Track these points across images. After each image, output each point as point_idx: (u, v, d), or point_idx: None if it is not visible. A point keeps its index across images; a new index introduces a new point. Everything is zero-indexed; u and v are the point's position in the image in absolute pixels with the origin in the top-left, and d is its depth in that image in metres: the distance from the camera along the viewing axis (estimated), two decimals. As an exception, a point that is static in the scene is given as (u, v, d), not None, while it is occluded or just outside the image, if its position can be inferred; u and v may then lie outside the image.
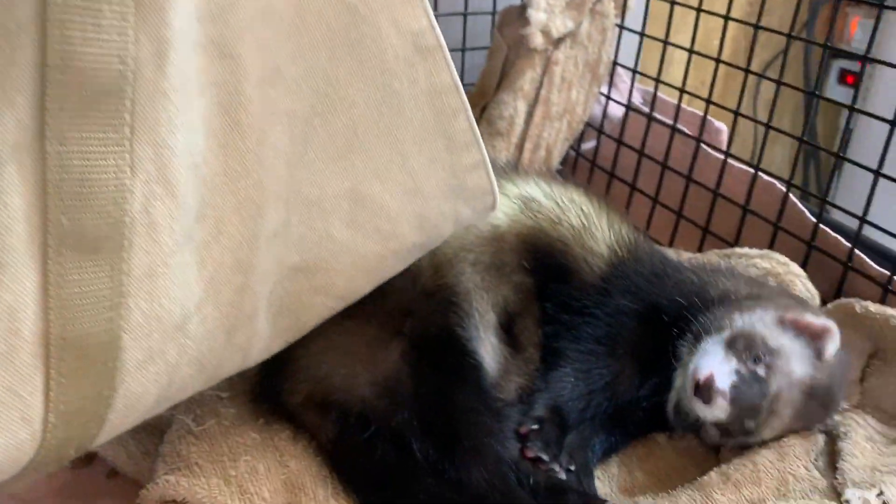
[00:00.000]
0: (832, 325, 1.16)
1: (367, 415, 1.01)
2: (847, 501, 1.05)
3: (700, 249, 1.75)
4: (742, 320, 1.16)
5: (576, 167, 2.14)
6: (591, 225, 1.33)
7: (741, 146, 1.71)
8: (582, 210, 1.35)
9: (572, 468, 1.11)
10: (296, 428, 1.07)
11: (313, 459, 1.05)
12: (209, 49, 0.71)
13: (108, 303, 0.67)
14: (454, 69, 0.87)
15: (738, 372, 1.09)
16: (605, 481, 1.17)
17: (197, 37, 0.70)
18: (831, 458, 1.19)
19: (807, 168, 1.62)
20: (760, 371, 1.10)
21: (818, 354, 1.14)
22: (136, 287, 0.69)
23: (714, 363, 1.09)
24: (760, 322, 1.16)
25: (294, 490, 1.00)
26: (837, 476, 1.13)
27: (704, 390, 1.06)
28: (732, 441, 1.17)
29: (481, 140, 0.93)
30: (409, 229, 0.94)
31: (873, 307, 1.33)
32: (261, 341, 0.90)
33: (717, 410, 1.08)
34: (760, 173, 1.63)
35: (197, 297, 0.77)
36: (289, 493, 1.00)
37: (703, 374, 1.07)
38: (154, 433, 1.14)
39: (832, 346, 1.14)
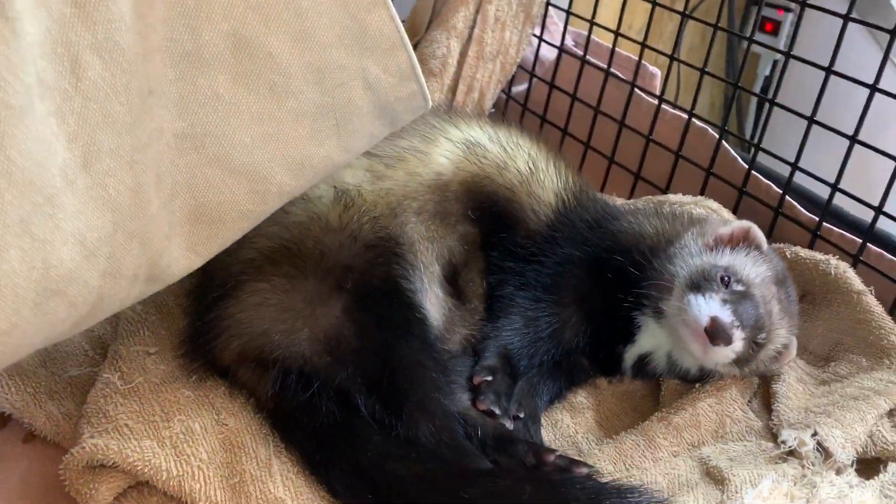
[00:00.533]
0: (749, 223, 1.21)
1: (308, 372, 0.96)
2: (783, 442, 1.08)
3: (632, 196, 1.76)
4: (685, 262, 1.17)
5: (506, 111, 2.09)
6: (538, 171, 1.30)
7: (665, 92, 1.71)
8: (529, 155, 1.31)
9: (521, 416, 1.10)
10: (232, 385, 1.02)
11: (253, 417, 0.99)
12: None
13: None
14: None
15: (725, 300, 1.09)
16: (550, 428, 1.16)
17: None
18: (764, 399, 1.22)
19: (727, 115, 1.62)
20: (738, 287, 1.12)
21: (759, 249, 1.18)
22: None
23: (705, 308, 1.08)
24: (699, 257, 1.18)
25: (233, 449, 0.95)
26: (773, 418, 1.16)
27: (719, 334, 1.06)
28: (748, 367, 1.18)
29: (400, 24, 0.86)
30: (307, 85, 0.83)
31: (803, 252, 1.36)
32: (161, 232, 0.77)
33: (738, 344, 1.08)
34: (694, 119, 1.64)
35: (61, 158, 0.65)
36: (228, 452, 0.95)
37: (705, 322, 1.07)
38: (75, 393, 1.06)
39: (761, 236, 1.19)
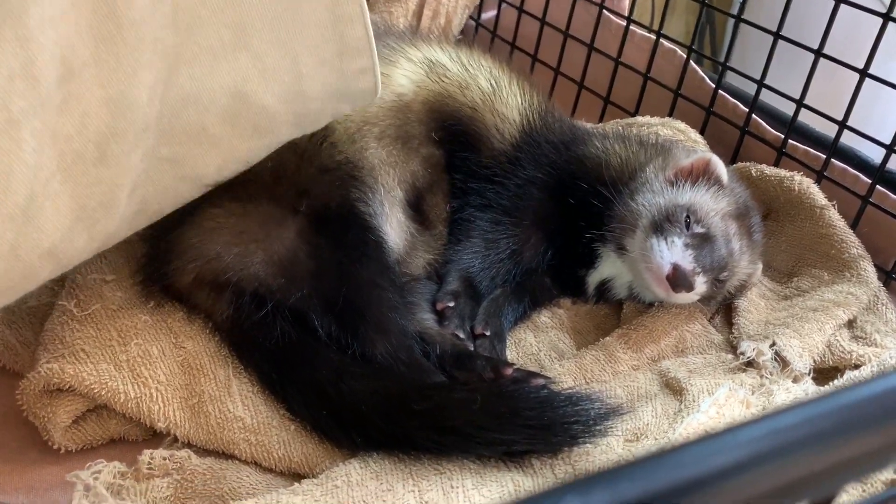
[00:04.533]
0: (709, 155, 1.19)
1: (262, 294, 0.96)
2: (742, 353, 1.09)
3: (601, 120, 1.74)
4: (647, 201, 1.15)
5: (475, 38, 2.05)
6: (501, 89, 1.27)
7: (639, 16, 1.68)
8: (491, 73, 1.29)
9: (487, 333, 1.11)
10: (190, 309, 1.01)
11: (211, 339, 0.99)
12: None
13: None
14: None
15: (687, 245, 1.08)
16: (514, 347, 1.17)
17: None
18: (727, 315, 1.23)
19: (702, 38, 1.59)
20: (699, 229, 1.11)
21: (719, 183, 1.16)
22: None
23: (668, 255, 1.07)
24: (661, 194, 1.16)
25: (192, 371, 0.95)
26: (734, 331, 1.17)
27: (680, 282, 1.05)
28: (713, 301, 1.19)
29: (374, 45, 0.90)
30: (287, 127, 0.91)
31: (768, 170, 1.36)
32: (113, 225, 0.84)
33: (700, 288, 1.08)
34: (662, 40, 1.61)
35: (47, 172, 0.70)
36: (186, 374, 0.95)
37: (667, 270, 1.06)
38: (34, 322, 1.06)
39: (721, 170, 1.17)
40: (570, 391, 0.92)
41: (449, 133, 1.23)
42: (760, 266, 1.21)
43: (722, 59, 1.50)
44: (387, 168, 1.15)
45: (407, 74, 1.22)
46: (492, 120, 1.26)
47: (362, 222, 1.04)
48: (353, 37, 0.86)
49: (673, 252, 1.07)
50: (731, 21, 1.49)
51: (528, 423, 0.85)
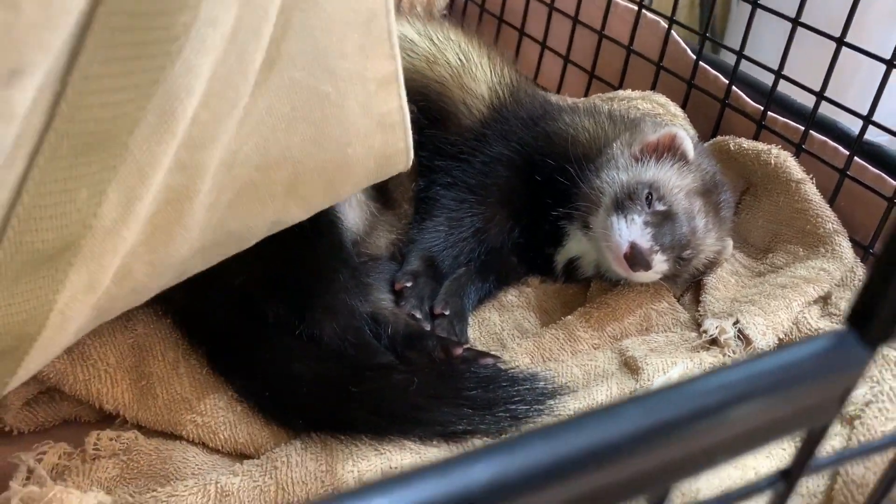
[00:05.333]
0: (674, 130, 1.15)
1: (209, 275, 0.96)
2: (705, 332, 1.07)
3: (587, 94, 1.71)
4: (611, 178, 1.13)
5: (465, 13, 2.03)
6: (470, 64, 1.26)
7: None
8: (460, 48, 1.27)
9: (447, 313, 1.10)
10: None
11: (162, 322, 1.00)
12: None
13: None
14: (410, 133, 0.84)
15: (647, 223, 1.06)
16: (477, 326, 1.16)
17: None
18: (696, 293, 1.21)
19: (675, 5, 1.54)
20: (660, 207, 1.09)
21: (684, 158, 1.13)
22: (28, 361, 0.67)
23: (626, 233, 1.06)
24: (626, 170, 1.14)
25: (142, 353, 0.96)
26: (699, 309, 1.15)
27: (637, 260, 1.04)
28: (680, 278, 1.17)
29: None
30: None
31: (746, 143, 1.32)
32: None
33: (658, 266, 1.06)
34: (644, 11, 1.57)
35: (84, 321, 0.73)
36: (136, 357, 0.96)
37: (624, 249, 1.04)
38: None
39: (687, 145, 1.14)
40: (513, 370, 0.91)
41: (416, 110, 1.22)
42: (730, 243, 1.18)
43: (702, 31, 1.47)
44: None
45: None
46: (459, 95, 1.24)
47: None
48: (396, 161, 0.86)
49: (632, 230, 1.05)
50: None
51: (468, 403, 0.85)
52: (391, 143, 0.83)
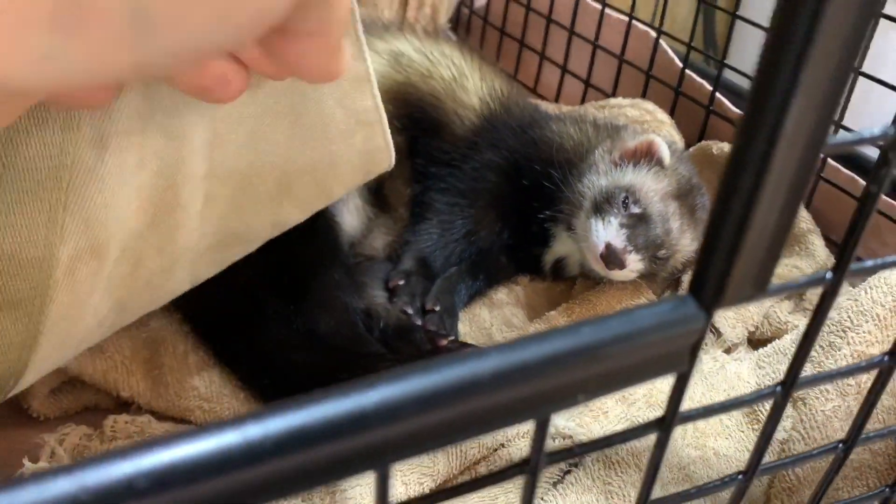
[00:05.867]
0: (651, 137, 1.23)
1: (220, 273, 1.05)
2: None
3: (583, 102, 1.78)
4: (592, 182, 1.21)
5: (469, 26, 2.12)
6: (462, 77, 1.34)
7: (643, 4, 1.69)
8: (453, 63, 1.35)
9: (437, 309, 1.18)
10: (156, 289, 1.11)
11: (173, 317, 1.09)
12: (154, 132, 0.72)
13: (21, 343, 0.71)
14: (388, 132, 0.91)
15: (622, 224, 1.14)
16: (468, 322, 1.24)
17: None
18: (675, 291, 1.28)
19: (663, 16, 1.61)
20: (636, 209, 1.16)
21: (661, 164, 1.21)
22: (50, 327, 0.72)
23: (602, 234, 1.14)
24: (605, 175, 1.21)
25: (154, 346, 1.05)
26: (677, 304, 1.21)
27: (612, 260, 1.11)
28: (659, 277, 1.24)
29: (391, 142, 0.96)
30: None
31: (728, 147, 1.39)
32: None
33: (633, 265, 1.14)
34: (635, 22, 1.65)
35: (105, 312, 0.80)
36: (149, 349, 1.05)
37: (600, 249, 1.12)
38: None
39: (664, 151, 1.21)
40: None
41: (412, 120, 1.30)
42: None
43: (688, 40, 1.53)
44: None
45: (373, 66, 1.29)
46: (452, 107, 1.32)
47: None
48: (379, 159, 0.94)
49: (608, 231, 1.13)
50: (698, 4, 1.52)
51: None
52: (372, 141, 0.90)
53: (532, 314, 1.26)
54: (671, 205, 1.18)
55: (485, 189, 1.28)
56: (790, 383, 0.47)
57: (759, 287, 0.39)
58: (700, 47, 1.54)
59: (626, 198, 1.16)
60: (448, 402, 0.35)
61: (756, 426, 0.94)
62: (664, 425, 0.44)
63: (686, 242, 1.20)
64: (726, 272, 0.37)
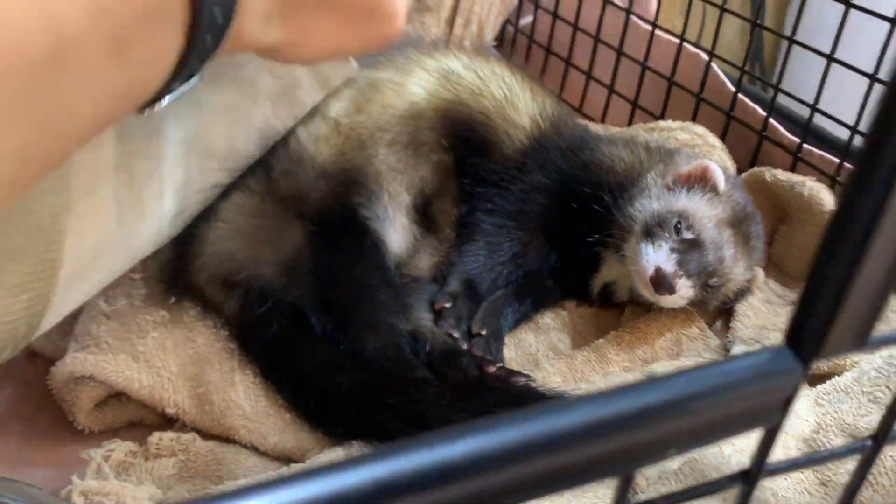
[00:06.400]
0: (706, 162, 1.20)
1: (266, 291, 1.04)
2: (733, 357, 1.11)
3: (630, 124, 1.76)
4: (644, 206, 1.19)
5: (514, 44, 2.10)
6: (513, 96, 1.32)
7: (691, 28, 1.68)
8: (504, 81, 1.34)
9: (483, 333, 1.16)
10: (203, 305, 1.11)
11: (220, 334, 1.09)
12: None
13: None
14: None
15: (673, 249, 1.11)
16: (513, 346, 1.22)
17: None
18: (728, 320, 1.24)
19: (716, 39, 1.58)
20: (688, 235, 1.14)
21: (715, 190, 1.18)
22: None
23: (653, 257, 1.11)
24: (658, 200, 1.19)
25: (201, 363, 1.05)
26: (729, 335, 1.19)
27: (662, 284, 1.09)
28: (709, 305, 1.21)
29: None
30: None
31: (782, 175, 1.36)
32: None
33: (684, 291, 1.11)
34: (686, 44, 1.62)
35: None
36: (195, 366, 1.04)
37: (650, 273, 1.10)
38: (73, 314, 1.17)
39: (719, 177, 1.18)
40: (542, 388, 0.96)
41: (460, 139, 1.29)
42: (761, 272, 1.21)
43: (741, 64, 1.51)
44: (394, 174, 1.22)
45: (420, 84, 1.29)
46: (502, 126, 1.31)
47: (361, 226, 1.12)
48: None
49: (658, 255, 1.10)
50: (751, 27, 1.49)
51: (497, 417, 0.90)
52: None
53: (579, 340, 1.24)
54: (725, 232, 1.15)
55: (533, 211, 1.27)
56: (882, 437, 0.44)
57: (861, 340, 0.37)
58: (746, 68, 1.50)
59: (679, 223, 1.14)
60: (534, 455, 0.33)
61: (816, 466, 0.90)
62: (749, 478, 0.42)
63: (739, 271, 1.17)
64: (828, 324, 0.35)
